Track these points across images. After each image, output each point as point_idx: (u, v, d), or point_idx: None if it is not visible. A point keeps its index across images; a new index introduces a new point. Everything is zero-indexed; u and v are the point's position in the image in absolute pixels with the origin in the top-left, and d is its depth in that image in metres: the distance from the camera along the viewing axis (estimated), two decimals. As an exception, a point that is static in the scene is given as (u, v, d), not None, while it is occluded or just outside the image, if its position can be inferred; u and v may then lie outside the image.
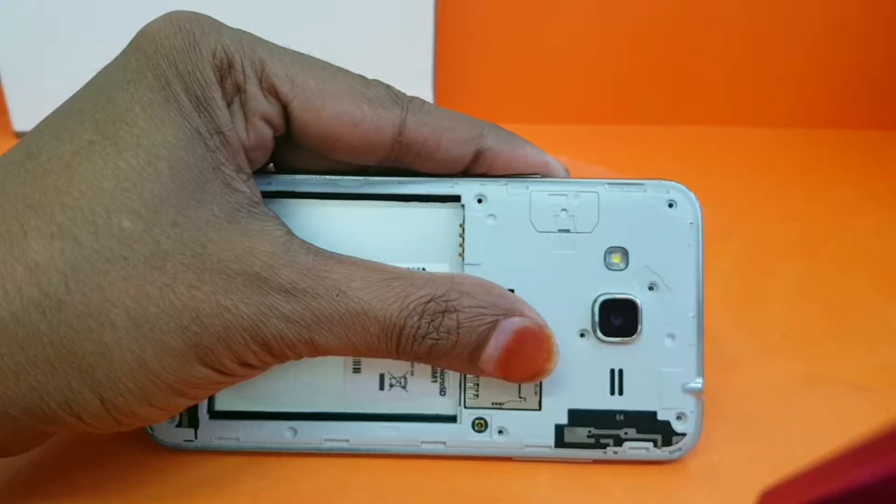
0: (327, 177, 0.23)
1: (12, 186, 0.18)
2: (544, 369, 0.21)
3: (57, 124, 0.19)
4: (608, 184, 0.23)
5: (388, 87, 0.22)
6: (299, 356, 0.20)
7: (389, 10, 0.48)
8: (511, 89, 0.56)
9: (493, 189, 0.23)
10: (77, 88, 0.20)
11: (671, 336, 0.23)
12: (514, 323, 0.21)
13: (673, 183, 0.23)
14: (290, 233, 0.20)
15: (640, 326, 0.22)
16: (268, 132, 0.21)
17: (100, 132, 0.18)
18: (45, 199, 0.18)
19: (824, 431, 0.25)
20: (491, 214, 0.23)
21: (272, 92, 0.20)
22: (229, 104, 0.20)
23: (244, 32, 0.21)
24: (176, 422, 0.23)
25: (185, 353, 0.18)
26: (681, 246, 0.22)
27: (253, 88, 0.20)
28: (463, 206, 0.23)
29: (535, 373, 0.21)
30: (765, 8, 0.53)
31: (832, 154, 0.52)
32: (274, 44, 0.21)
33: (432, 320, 0.20)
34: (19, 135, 0.50)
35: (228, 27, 0.20)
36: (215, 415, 0.23)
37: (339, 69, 0.21)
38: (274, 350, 0.19)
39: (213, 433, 0.23)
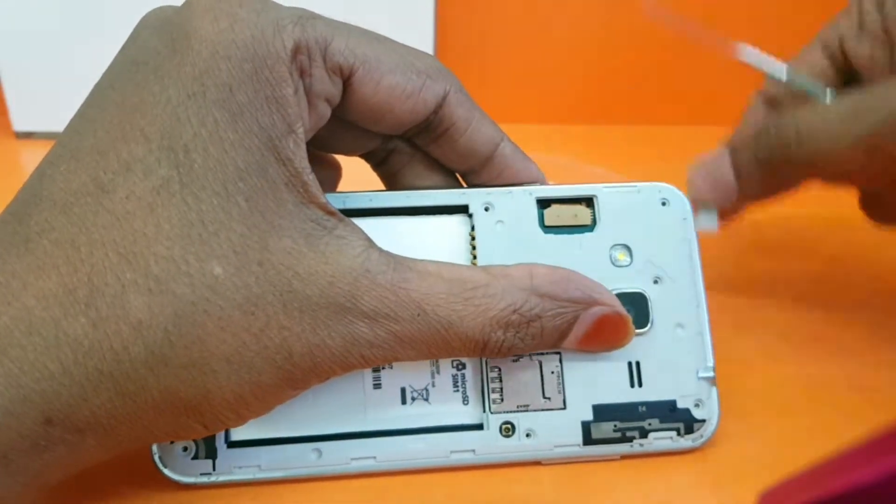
0: (336, 194, 0.23)
1: (96, 228, 0.18)
2: (621, 345, 0.23)
3: (121, 147, 0.18)
4: (605, 187, 0.24)
5: (435, 58, 0.22)
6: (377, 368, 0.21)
7: (389, 10, 0.48)
8: (511, 89, 0.56)
9: (499, 197, 0.23)
10: (77, 88, 0.19)
11: (680, 325, 0.23)
12: (594, 314, 0.22)
13: (663, 184, 0.24)
14: (366, 244, 0.19)
15: (651, 318, 0.23)
16: (327, 112, 0.20)
17: (174, 166, 0.18)
18: (137, 249, 0.17)
19: (824, 432, 0.25)
20: (499, 221, 0.23)
21: (336, 70, 0.20)
22: (295, 92, 0.19)
23: (296, 8, 0.19)
24: (192, 454, 0.22)
25: (279, 386, 0.19)
26: (678, 240, 0.24)
27: (319, 71, 0.19)
28: (471, 214, 0.23)
29: (612, 347, 0.23)
30: (764, 8, 0.53)
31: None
32: (324, 16, 0.20)
33: (517, 332, 0.21)
34: (19, 135, 0.50)
35: (277, 4, 0.19)
36: (233, 444, 0.22)
37: (388, 39, 0.21)
38: (356, 369, 0.20)
39: (232, 462, 0.22)
